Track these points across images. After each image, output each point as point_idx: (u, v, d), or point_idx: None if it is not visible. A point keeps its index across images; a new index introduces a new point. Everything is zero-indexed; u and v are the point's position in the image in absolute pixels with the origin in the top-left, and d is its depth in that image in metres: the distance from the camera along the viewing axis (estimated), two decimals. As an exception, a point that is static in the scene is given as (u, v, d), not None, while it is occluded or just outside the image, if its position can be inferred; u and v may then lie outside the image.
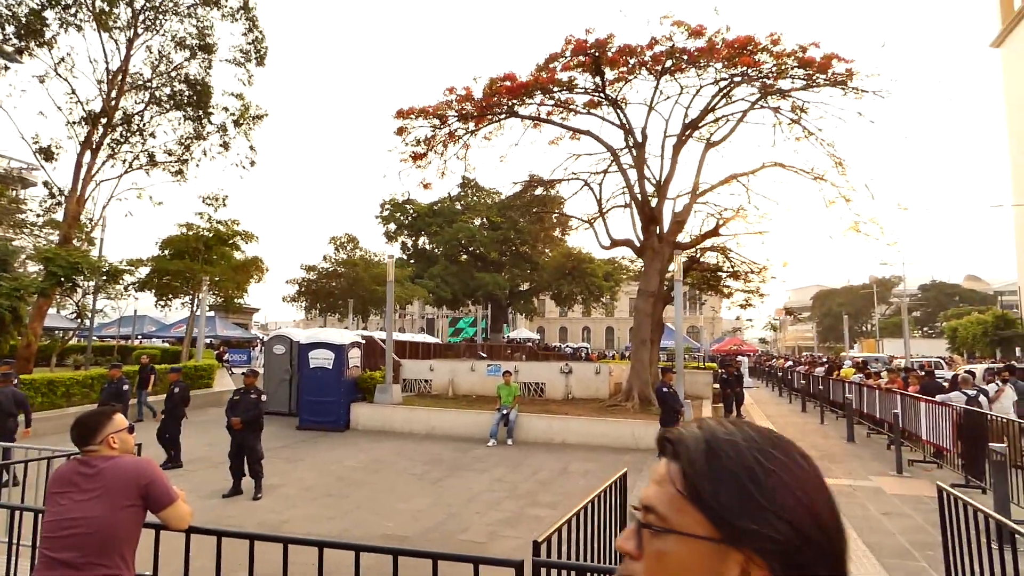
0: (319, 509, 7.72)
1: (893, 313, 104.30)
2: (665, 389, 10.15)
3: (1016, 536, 3.45)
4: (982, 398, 9.56)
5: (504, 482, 9.25)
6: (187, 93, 24.04)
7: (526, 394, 15.78)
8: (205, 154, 25.10)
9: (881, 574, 5.59)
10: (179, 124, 24.38)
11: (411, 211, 49.61)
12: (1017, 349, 47.74)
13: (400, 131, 15.78)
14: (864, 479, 9.71)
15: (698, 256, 23.69)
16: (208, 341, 39.27)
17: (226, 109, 24.55)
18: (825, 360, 29.08)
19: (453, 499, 8.25)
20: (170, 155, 24.71)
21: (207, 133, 24.72)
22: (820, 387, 17.97)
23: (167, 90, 23.70)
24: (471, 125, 16.33)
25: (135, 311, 35.68)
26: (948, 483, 9.39)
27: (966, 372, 11.80)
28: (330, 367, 13.97)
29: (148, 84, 23.13)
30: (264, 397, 8.39)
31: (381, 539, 6.58)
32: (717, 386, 19.54)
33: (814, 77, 14.76)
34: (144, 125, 23.74)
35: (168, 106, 23.90)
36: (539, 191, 24.10)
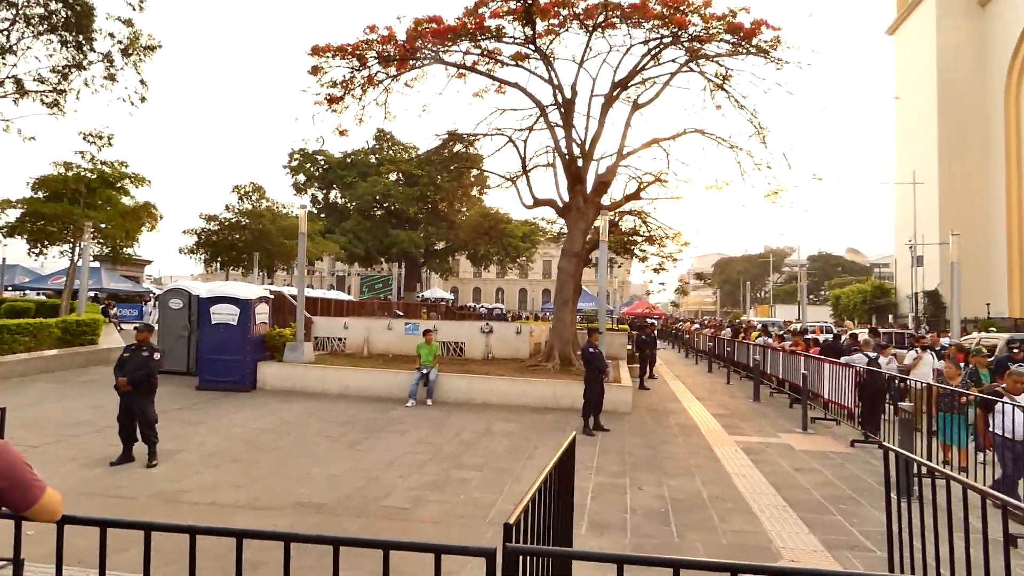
0: (223, 476, 7.06)
1: (785, 281, 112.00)
2: (592, 350, 10.08)
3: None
4: (882, 359, 10.16)
5: (426, 444, 8.91)
6: (64, 14, 21.15)
7: (445, 354, 15.41)
8: (87, 85, 22.25)
9: (804, 530, 5.75)
10: (55, 50, 21.50)
11: (322, 162, 47.09)
12: (890, 316, 52.58)
13: (315, 71, 14.52)
14: (773, 436, 10.15)
15: (616, 220, 23.97)
16: (93, 294, 35.98)
17: (112, 35, 21.81)
18: (729, 324, 30.58)
19: (373, 463, 7.82)
20: (43, 83, 21.81)
21: (89, 62, 21.98)
22: (728, 349, 18.75)
23: (39, 9, 20.73)
24: (392, 70, 15.33)
25: (3, 259, 31.95)
26: (848, 439, 10.01)
27: (867, 335, 12.55)
28: (234, 323, 12.94)
29: (13, 0, 20.09)
30: (158, 355, 7.51)
31: (294, 508, 6.08)
32: (630, 347, 20.04)
33: (740, 44, 14.88)
34: (11, 47, 20.74)
35: (40, 28, 20.96)
36: (459, 148, 23.37)
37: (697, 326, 32.77)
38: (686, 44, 14.56)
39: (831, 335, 20.01)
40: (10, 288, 36.48)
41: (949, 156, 49.02)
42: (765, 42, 14.82)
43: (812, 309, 71.19)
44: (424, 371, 12.27)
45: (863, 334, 15.31)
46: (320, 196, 48.21)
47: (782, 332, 18.13)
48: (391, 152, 47.46)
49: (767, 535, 5.63)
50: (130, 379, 7.35)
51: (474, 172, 43.67)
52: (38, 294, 35.15)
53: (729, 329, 24.02)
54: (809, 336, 15.68)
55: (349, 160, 46.50)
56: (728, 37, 14.34)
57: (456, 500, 6.48)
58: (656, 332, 24.15)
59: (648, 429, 10.59)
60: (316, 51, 14.14)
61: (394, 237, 43.69)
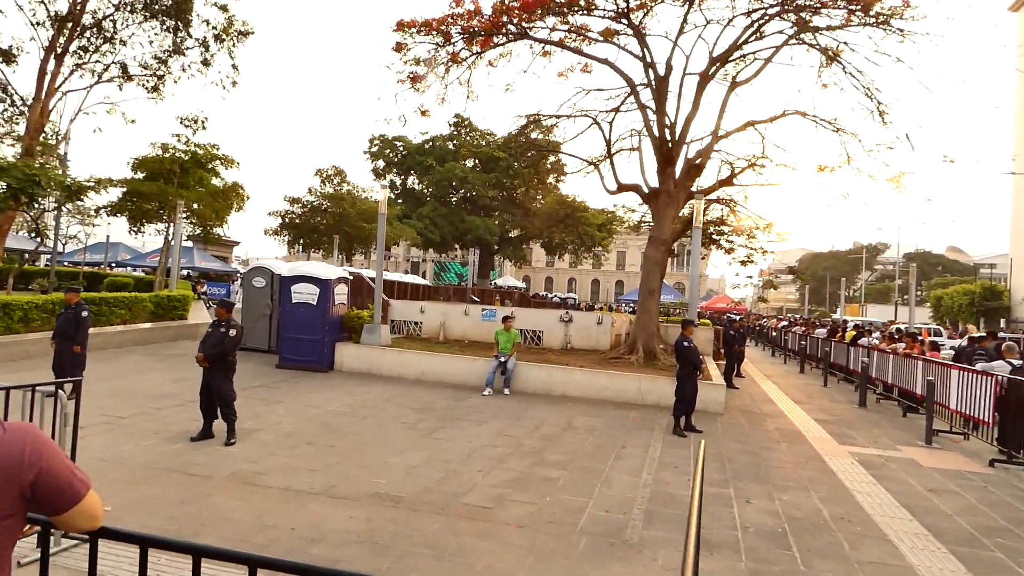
0: (299, 459, 6.79)
1: (877, 279, 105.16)
2: (686, 344, 9.25)
3: None
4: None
5: (506, 436, 8.40)
6: (165, 1, 21.95)
7: (522, 342, 14.90)
8: (184, 71, 23.17)
9: (959, 568, 4.81)
10: (156, 36, 22.40)
11: (401, 148, 47.64)
12: (1001, 320, 47.98)
13: (399, 47, 14.22)
14: (892, 449, 9.02)
15: (703, 208, 22.66)
16: (185, 272, 37.87)
17: (207, 22, 22.51)
18: (819, 322, 28.54)
19: (451, 454, 7.38)
20: (145, 69, 22.78)
21: (186, 48, 22.78)
22: (826, 350, 17.29)
23: (142, -4, 21.58)
24: (476, 47, 14.82)
25: (107, 236, 34.04)
26: (982, 457, 8.75)
27: (1011, 341, 11.05)
28: (314, 303, 12.90)
29: (119, -13, 20.98)
30: (234, 332, 7.31)
31: (371, 499, 5.69)
32: (716, 344, 18.87)
33: (857, 12, 13.43)
34: (116, 33, 21.75)
35: (143, 15, 21.86)
36: (537, 134, 22.70)
37: (785, 323, 30.83)
38: (795, 15, 13.25)
39: (937, 338, 18.12)
40: (113, 265, 38.94)
41: None
42: (887, 9, 13.30)
43: (908, 310, 66.22)
44: (502, 359, 11.80)
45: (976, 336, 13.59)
46: (398, 182, 48.83)
47: (892, 334, 16.49)
48: (468, 138, 47.39)
49: (913, 571, 4.74)
50: (207, 355, 7.21)
51: (551, 159, 43.05)
52: (133, 270, 37.28)
53: (824, 328, 22.28)
54: (929, 339, 14.10)
55: (427, 146, 46.78)
56: (844, 3, 12.93)
57: (542, 502, 5.92)
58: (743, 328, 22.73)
59: (745, 432, 9.67)
60: (401, 27, 13.84)
61: (469, 223, 43.65)
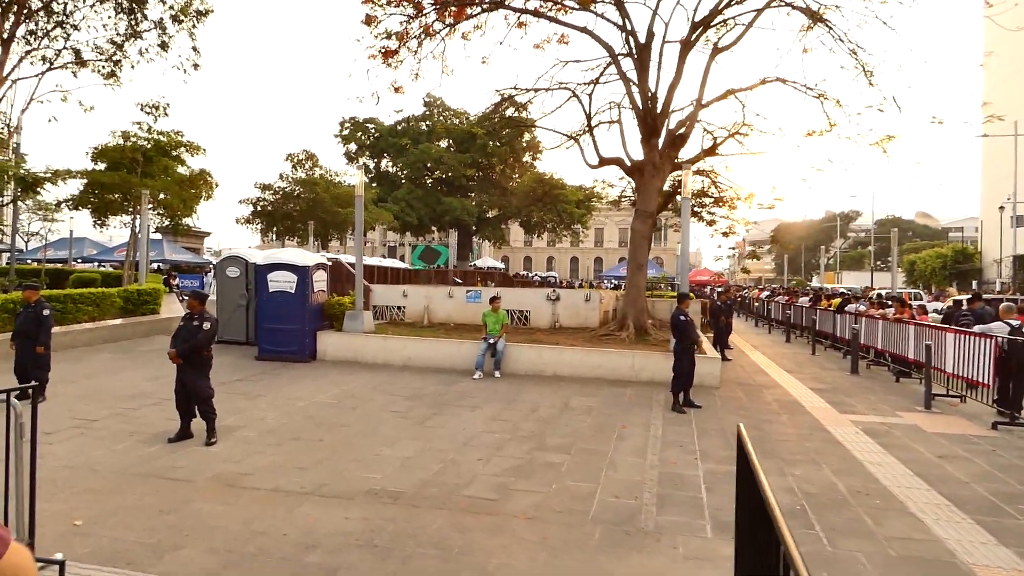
0: (286, 456, 6.39)
1: (851, 247, 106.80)
2: (682, 317, 8.99)
3: None
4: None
5: (501, 421, 8.08)
6: (118, -18, 20.82)
7: (510, 323, 14.55)
8: (142, 54, 22.12)
9: (989, 539, 4.62)
10: (109, 18, 21.27)
11: (373, 130, 46.59)
12: (973, 282, 48.95)
13: (369, 20, 13.57)
14: (892, 415, 8.90)
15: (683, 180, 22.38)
16: (156, 266, 36.74)
17: (163, 2, 21.44)
18: (807, 291, 28.64)
19: (446, 442, 7.03)
20: (100, 53, 21.68)
21: (143, 30, 21.70)
22: (813, 318, 17.24)
23: (92, -25, 20.43)
24: (449, 19, 14.22)
25: (71, 232, 32.80)
26: (982, 419, 8.67)
27: (1008, 301, 10.99)
28: (292, 291, 12.38)
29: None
30: (208, 325, 6.83)
31: (367, 497, 5.33)
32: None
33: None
34: (67, 16, 20.60)
35: (94, -4, 20.71)
36: (511, 111, 22.11)
37: (767, 293, 30.95)
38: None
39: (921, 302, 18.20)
40: (79, 261, 37.61)
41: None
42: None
43: (883, 275, 67.37)
44: (491, 341, 11.45)
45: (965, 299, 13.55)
46: (372, 165, 47.85)
47: (880, 299, 16.47)
48: (441, 118, 46.50)
49: (944, 545, 4.54)
50: (179, 351, 6.73)
51: (527, 137, 42.44)
52: (100, 265, 36.07)
53: (807, 297, 22.31)
54: (918, 304, 14.07)
55: (400, 127, 45.82)
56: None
57: (548, 490, 5.61)
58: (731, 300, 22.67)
59: (743, 405, 9.49)
60: (369, -3, 13.20)
61: (447, 205, 43.02)
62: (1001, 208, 42.56)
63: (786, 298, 24.92)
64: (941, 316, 13.09)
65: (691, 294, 11.68)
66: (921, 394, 10.52)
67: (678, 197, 23.28)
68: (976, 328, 9.27)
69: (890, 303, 14.68)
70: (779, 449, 7.02)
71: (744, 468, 3.57)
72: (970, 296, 15.75)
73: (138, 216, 20.15)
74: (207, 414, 6.90)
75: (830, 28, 13.13)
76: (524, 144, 43.96)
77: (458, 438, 7.21)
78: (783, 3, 13.36)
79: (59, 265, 33.15)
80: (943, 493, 5.61)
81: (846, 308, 16.57)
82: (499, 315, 11.71)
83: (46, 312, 8.69)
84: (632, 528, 4.81)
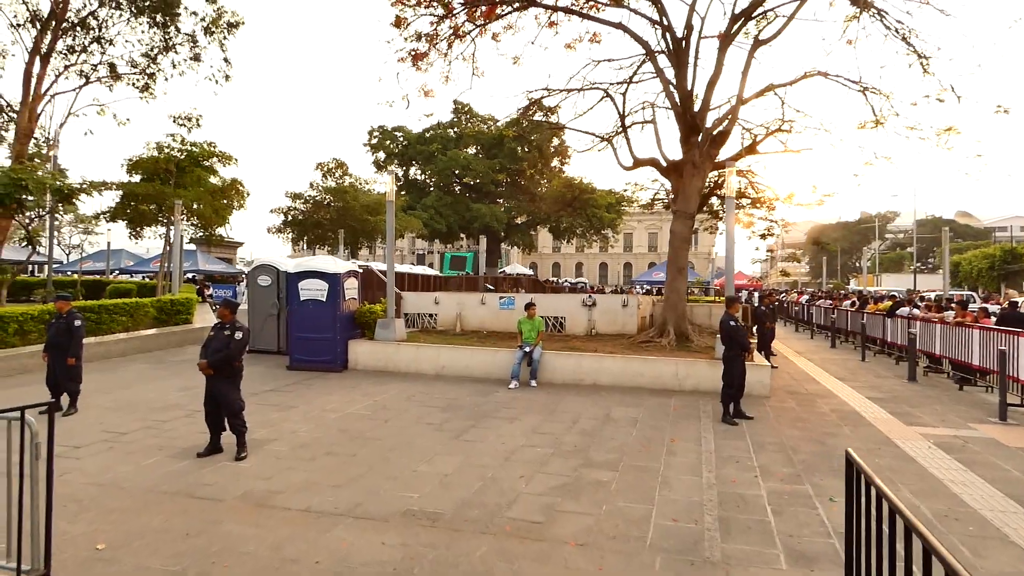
0: (319, 473, 6.06)
1: (889, 248, 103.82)
2: (732, 322, 8.46)
3: None
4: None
5: (542, 434, 7.65)
6: (153, -1, 21.11)
7: (545, 330, 14.13)
8: (174, 67, 22.39)
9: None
10: (143, 32, 21.58)
11: (401, 138, 46.72)
12: (1023, 283, 46.88)
13: (398, 22, 13.36)
14: (965, 428, 8.21)
15: (719, 180, 21.72)
16: (190, 276, 37.23)
17: (195, 14, 21.69)
18: (842, 294, 27.56)
19: (486, 457, 6.63)
20: (134, 67, 22.00)
21: (175, 43, 21.96)
22: (862, 322, 16.42)
23: (126, -9, 20.74)
24: (480, 19, 13.93)
25: (108, 244, 33.43)
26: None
27: None
28: (323, 300, 12.15)
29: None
30: (239, 334, 6.56)
31: (404, 518, 4.96)
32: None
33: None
34: (102, 31, 20.95)
35: (130, 10, 21.02)
36: (539, 116, 21.70)
37: (807, 297, 29.90)
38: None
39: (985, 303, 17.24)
40: (117, 272, 38.37)
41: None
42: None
43: (924, 278, 65.07)
44: (527, 349, 11.03)
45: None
46: (400, 173, 47.96)
47: (937, 302, 15.60)
48: (469, 125, 46.40)
49: (1061, 581, 3.97)
50: (210, 361, 6.47)
51: (555, 142, 42.06)
52: (135, 276, 36.69)
53: (853, 300, 21.39)
54: (980, 306, 13.24)
55: (428, 135, 45.84)
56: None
57: (598, 512, 5.16)
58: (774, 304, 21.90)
59: (799, 416, 8.89)
60: (399, -1, 12.98)
61: (475, 211, 42.80)
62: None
63: (831, 302, 23.97)
64: (996, 318, 12.24)
65: (742, 298, 11.12)
66: (991, 404, 9.84)
67: (713, 198, 22.72)
68: (1057, 332, 8.55)
69: (952, 306, 13.85)
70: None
71: (854, 494, 3.12)
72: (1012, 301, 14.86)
73: (172, 226, 20.30)
74: (237, 428, 6.63)
75: (882, 15, 12.45)
76: (553, 149, 43.61)
77: (498, 453, 6.81)
78: (828, -8, 12.74)
79: (97, 277, 33.81)
80: (1045, 518, 5.01)
81: (897, 312, 15.74)
82: (535, 322, 11.30)
83: (77, 323, 8.56)
84: (697, 558, 4.34)
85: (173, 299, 16.12)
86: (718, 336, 11.12)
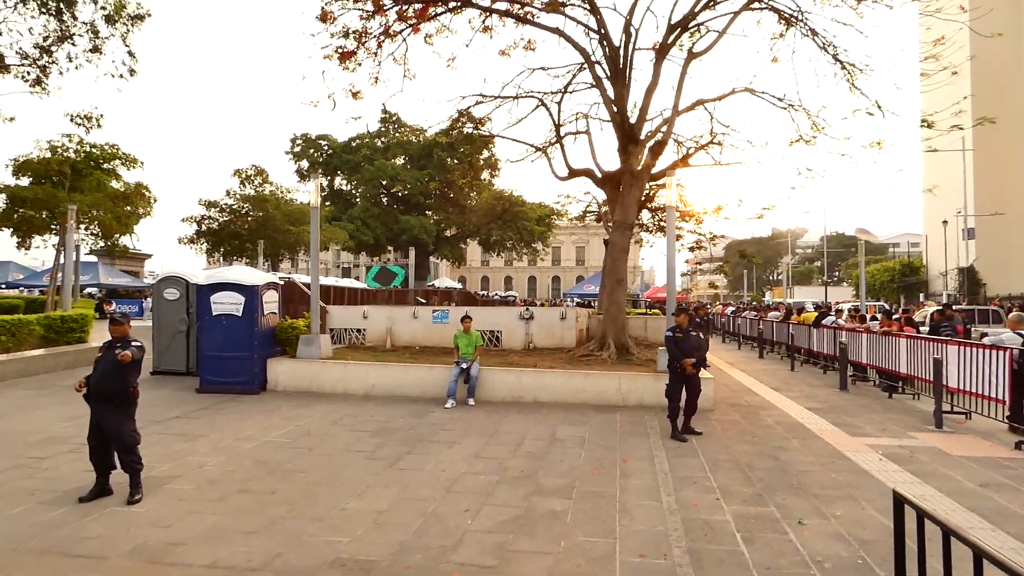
0: (230, 516, 5.19)
1: (799, 263, 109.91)
2: (670, 334, 8.19)
3: None
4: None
5: (486, 459, 7.02)
6: (42, -20, 19.18)
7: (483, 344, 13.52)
8: (71, 60, 20.39)
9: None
10: (33, 18, 19.54)
11: (326, 147, 45.09)
12: (920, 294, 50.48)
13: (324, 16, 12.51)
14: (906, 437, 8.23)
15: (651, 193, 21.92)
16: (89, 291, 34.18)
17: (95, 2, 19.87)
18: (772, 306, 28.45)
19: (425, 489, 5.94)
20: (25, 58, 19.88)
21: (72, 34, 20.03)
22: (792, 333, 16.77)
23: (14, -27, 18.74)
24: (411, 19, 13.29)
25: (-8, 254, 30.18)
26: (997, 437, 8.09)
27: (1019, 311, 10.59)
28: (239, 314, 11.06)
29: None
30: (137, 352, 5.59)
31: (335, 569, 4.20)
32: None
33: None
34: (-16, 18, 18.80)
35: (17, -5, 19.00)
36: (470, 128, 21.31)
37: (732, 309, 30.76)
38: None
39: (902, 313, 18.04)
40: (3, 286, 34.78)
41: (985, 129, 46.59)
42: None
43: (832, 289, 69.08)
44: (464, 365, 10.39)
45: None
46: (325, 183, 46.24)
47: (857, 312, 16.11)
48: (398, 135, 45.39)
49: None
50: (95, 387, 5.47)
51: (486, 153, 41.71)
52: (23, 291, 33.40)
53: (778, 312, 22.01)
54: (904, 316, 13.72)
55: (354, 144, 44.47)
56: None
57: (556, 550, 4.59)
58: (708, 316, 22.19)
59: (747, 430, 8.68)
60: (326, -9, 12.16)
61: (404, 223, 41.73)
62: (945, 223, 44.05)
63: (756, 313, 24.63)
64: (927, 328, 12.81)
65: (690, 307, 10.89)
66: (922, 411, 10.05)
67: (643, 211, 22.90)
68: (987, 340, 8.76)
69: (877, 316, 14.29)
70: (807, 483, 6.18)
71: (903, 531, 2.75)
72: (941, 307, 15.66)
73: (64, 234, 18.33)
74: (131, 465, 5.64)
75: (810, 28, 12.75)
76: (483, 161, 43.25)
77: (439, 483, 6.12)
78: (760, 7, 12.97)
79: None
80: (1012, 533, 4.85)
81: (823, 322, 16.17)
82: (472, 336, 10.67)
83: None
84: (674, 602, 3.84)
85: (64, 315, 14.40)
86: (660, 349, 10.92)
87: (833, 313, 18.98)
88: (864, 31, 12.77)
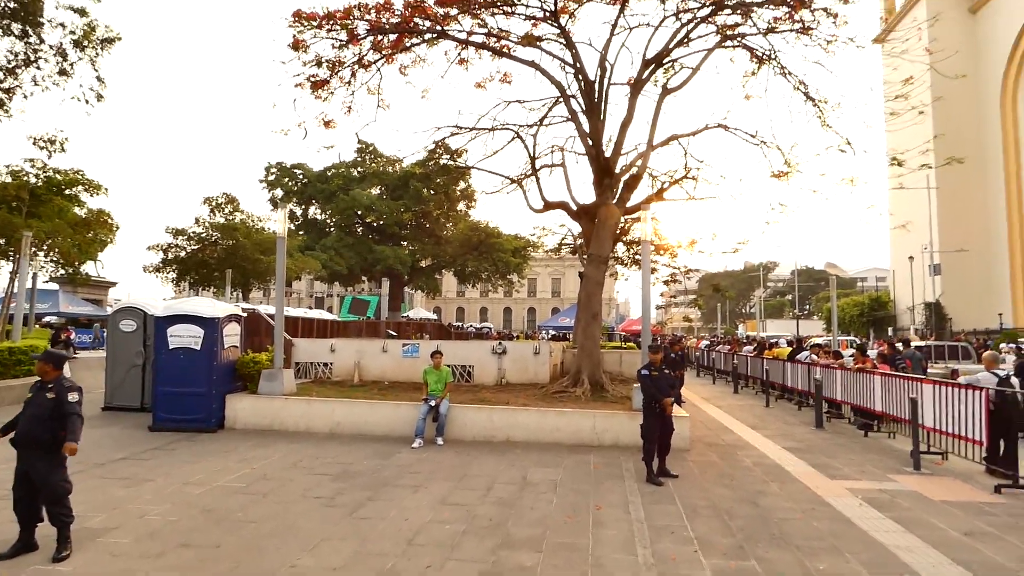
0: (169, 574, 4.71)
1: (770, 295, 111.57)
2: (644, 372, 7.95)
3: None
4: (1015, 380, 8.15)
5: (453, 505, 6.61)
6: (8, 3, 18.82)
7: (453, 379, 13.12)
8: (37, 84, 19.92)
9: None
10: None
11: (301, 176, 44.71)
12: (889, 329, 51.33)
13: (296, 45, 12.31)
14: (885, 479, 8.04)
15: (625, 227, 21.96)
16: (50, 319, 32.90)
17: (63, 26, 19.51)
18: (745, 339, 28.49)
19: (386, 541, 5.51)
20: (-12, 80, 19.33)
21: (39, 57, 19.57)
22: (767, 368, 16.69)
23: (-21, -4, 18.34)
24: (386, 50, 13.19)
25: (-55, 281, 28.91)
26: (976, 480, 7.93)
27: (993, 350, 10.57)
28: (197, 348, 10.54)
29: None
30: (74, 396, 5.13)
31: (276, 641, 3.77)
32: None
33: (781, 20, 13.12)
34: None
35: (-18, 18, 18.58)
36: (446, 159, 21.25)
37: (707, 342, 30.77)
38: (730, 12, 12.67)
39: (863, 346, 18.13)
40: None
41: (947, 167, 48.20)
42: (806, 20, 13.01)
43: (803, 323, 69.98)
44: (432, 403, 9.99)
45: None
46: (299, 212, 45.76)
47: (829, 348, 16.11)
48: (373, 164, 45.27)
49: None
50: (25, 433, 5.00)
51: (462, 184, 41.77)
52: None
53: (751, 346, 22.00)
54: (878, 351, 13.71)
55: (329, 173, 44.18)
56: (768, 14, 12.55)
57: (526, 613, 4.21)
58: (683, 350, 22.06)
59: (724, 472, 8.41)
60: (299, 18, 11.91)
61: (378, 253, 41.32)
62: (911, 258, 45.07)
63: (728, 347, 24.62)
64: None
65: (672, 342, 10.67)
66: (899, 450, 9.91)
67: (618, 244, 22.90)
68: (963, 379, 8.67)
69: (852, 351, 14.26)
70: (789, 533, 5.90)
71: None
72: (902, 341, 15.78)
73: (19, 261, 17.59)
74: (60, 518, 5.12)
75: (783, 68, 12.94)
76: (459, 192, 43.27)
77: (401, 534, 5.70)
78: (732, 45, 13.15)
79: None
80: (1004, 590, 4.62)
81: (797, 357, 16.12)
82: (442, 372, 10.30)
83: None
84: (651, 677, 3.49)
85: (12, 346, 13.65)
86: (636, 386, 10.65)
87: (808, 348, 19.01)
88: (833, 70, 13.06)
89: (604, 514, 6.40)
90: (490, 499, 6.89)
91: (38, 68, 19.73)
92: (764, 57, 13.12)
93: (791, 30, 13.13)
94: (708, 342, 31.11)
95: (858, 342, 28.09)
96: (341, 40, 12.26)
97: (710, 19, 13.21)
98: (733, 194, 14.94)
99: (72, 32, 19.17)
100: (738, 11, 12.59)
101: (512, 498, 6.94)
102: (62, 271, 24.21)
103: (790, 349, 18.25)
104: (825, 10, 12.18)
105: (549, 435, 9.97)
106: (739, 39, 13.66)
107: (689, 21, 13.02)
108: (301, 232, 43.06)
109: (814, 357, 15.02)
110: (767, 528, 6.02)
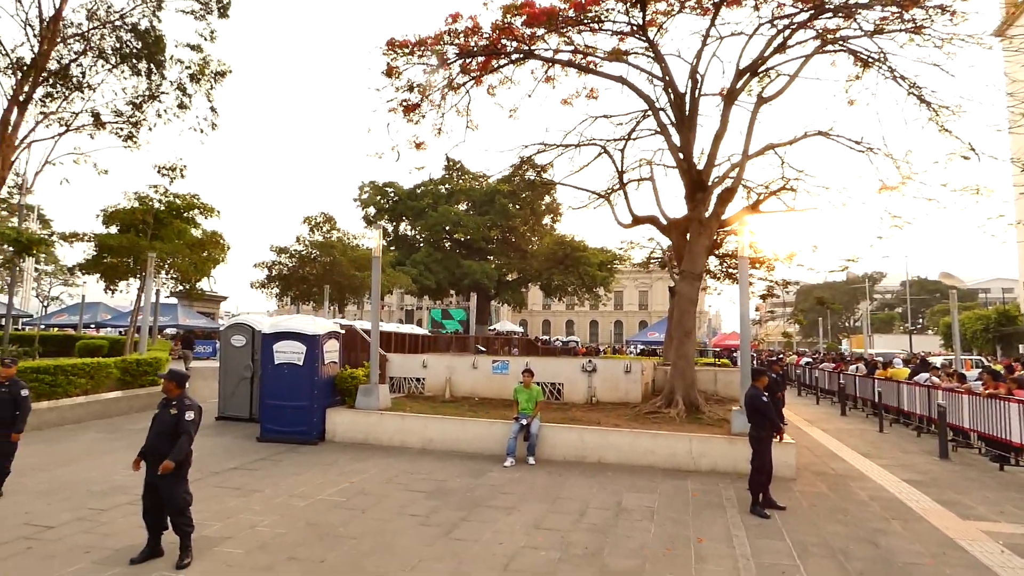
0: (276, 590, 4.90)
1: (877, 308, 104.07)
2: (764, 398, 7.50)
3: None
4: None
5: (546, 530, 6.51)
6: (135, 45, 20.79)
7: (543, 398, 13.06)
8: (160, 116, 21.86)
9: None
10: (126, 79, 21.09)
11: (392, 194, 46.46)
12: (1020, 346, 46.47)
13: (390, 71, 12.85)
14: (1028, 521, 7.18)
15: (718, 240, 21.18)
16: (170, 331, 35.86)
17: (181, 62, 21.32)
18: (858, 357, 26.56)
19: (480, 565, 5.49)
20: (119, 116, 21.43)
21: (160, 91, 21.48)
22: (879, 390, 15.48)
23: (111, 40, 20.39)
24: (474, 72, 13.47)
25: (83, 297, 32.23)
26: None
27: None
28: (300, 363, 11.08)
29: (86, 33, 19.73)
30: (191, 415, 5.48)
31: (379, 665, 3.81)
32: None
33: (889, 20, 12.25)
34: (85, 79, 20.44)
35: (114, 59, 20.61)
36: (531, 174, 21.33)
37: (808, 360, 29.03)
38: (826, 20, 12.00)
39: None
40: (93, 326, 36.92)
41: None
42: (919, 17, 12.06)
43: (917, 339, 64.68)
44: (524, 421, 9.96)
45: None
46: (390, 228, 47.49)
47: (954, 371, 14.72)
48: (461, 181, 46.33)
49: None
50: (151, 447, 5.38)
51: (547, 199, 41.90)
52: (119, 332, 35.26)
53: (862, 363, 20.50)
54: (1012, 377, 12.39)
55: (419, 191, 45.63)
56: (874, 13, 11.75)
57: (628, 654, 4.04)
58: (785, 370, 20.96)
59: (836, 505, 7.81)
60: (392, 47, 12.47)
61: (466, 268, 42.11)
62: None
63: (834, 365, 23.09)
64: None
65: (776, 364, 10.12)
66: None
67: (711, 257, 22.10)
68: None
69: (979, 372, 12.98)
70: (916, 579, 5.37)
71: None
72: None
73: (143, 280, 19.27)
74: (182, 527, 5.48)
75: (895, 75, 12.05)
76: (544, 207, 43.47)
77: (495, 559, 5.67)
78: (834, 49, 12.42)
79: (69, 331, 32.40)
80: None
81: (917, 377, 14.84)
82: (532, 391, 10.26)
83: (24, 392, 7.42)
84: None
85: (139, 358, 14.90)
86: (734, 409, 10.16)
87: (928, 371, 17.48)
88: (952, 71, 12.02)
89: (706, 548, 6.09)
90: (584, 525, 6.73)
91: (160, 102, 21.69)
92: (870, 60, 12.29)
93: (901, 30, 12.23)
94: (810, 359, 29.32)
95: (984, 362, 25.56)
96: (432, 65, 12.66)
97: (809, 24, 12.55)
98: (836, 205, 13.98)
99: (188, 67, 20.94)
100: (840, 14, 11.87)
101: (607, 525, 6.75)
102: (180, 287, 26.29)
103: (908, 371, 16.83)
104: (941, 7, 11.24)
105: (642, 457, 9.67)
106: (842, 42, 12.89)
107: (786, 27, 12.43)
108: (392, 248, 44.66)
109: (935, 379, 13.78)
110: (890, 574, 5.51)
